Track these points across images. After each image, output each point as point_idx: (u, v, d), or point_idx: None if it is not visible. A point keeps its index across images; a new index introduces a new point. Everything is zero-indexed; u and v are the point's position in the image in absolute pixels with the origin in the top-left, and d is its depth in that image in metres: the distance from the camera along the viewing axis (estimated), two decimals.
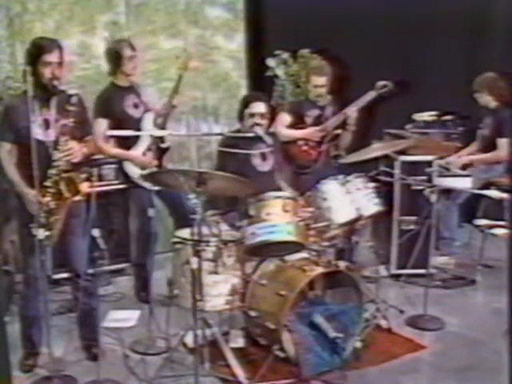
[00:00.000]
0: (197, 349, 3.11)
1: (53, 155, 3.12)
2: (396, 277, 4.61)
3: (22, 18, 4.82)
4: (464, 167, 4.88)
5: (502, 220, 4.61)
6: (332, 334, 3.35)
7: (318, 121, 4.61)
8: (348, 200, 3.69)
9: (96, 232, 3.10)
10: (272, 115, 4.51)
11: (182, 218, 4.03)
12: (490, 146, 4.82)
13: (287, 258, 3.62)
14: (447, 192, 4.68)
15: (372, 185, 3.86)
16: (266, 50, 5.78)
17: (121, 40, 4.23)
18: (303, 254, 3.64)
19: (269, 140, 3.85)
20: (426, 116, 5.74)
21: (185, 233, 3.45)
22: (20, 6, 4.84)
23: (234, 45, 5.80)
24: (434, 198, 3.92)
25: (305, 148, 4.60)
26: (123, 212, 4.79)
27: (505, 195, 4.41)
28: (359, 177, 3.82)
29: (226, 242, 3.39)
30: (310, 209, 3.58)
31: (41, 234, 3.00)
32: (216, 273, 3.34)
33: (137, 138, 4.05)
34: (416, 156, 4.62)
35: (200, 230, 3.10)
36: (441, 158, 4.70)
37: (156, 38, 5.29)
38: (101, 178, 4.57)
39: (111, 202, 4.70)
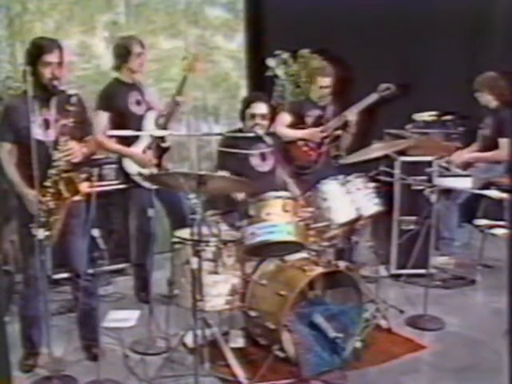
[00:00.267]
0: (197, 349, 3.11)
1: (53, 155, 3.12)
2: (396, 277, 4.61)
3: (22, 18, 4.82)
4: (464, 167, 4.88)
5: (501, 220, 4.61)
6: (332, 334, 3.35)
7: (318, 121, 4.62)
8: (348, 200, 3.69)
9: (96, 232, 3.10)
10: (272, 115, 4.51)
11: (179, 219, 4.04)
12: (490, 145, 4.81)
13: (287, 257, 3.62)
14: (447, 192, 4.68)
15: (372, 185, 3.86)
16: (266, 50, 5.78)
17: (130, 37, 4.24)
18: (303, 254, 3.64)
19: (269, 140, 3.85)
20: (426, 116, 5.74)
21: (185, 233, 3.45)
22: (20, 5, 4.84)
23: (234, 45, 5.80)
24: (434, 197, 3.92)
25: (305, 149, 4.60)
26: (123, 212, 4.79)
27: (505, 195, 4.41)
28: (359, 177, 3.82)
29: (225, 242, 3.39)
30: (310, 209, 3.58)
31: (41, 234, 3.00)
32: (216, 273, 3.34)
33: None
34: (416, 156, 4.62)
35: (200, 230, 3.09)
36: (441, 158, 4.70)
37: (156, 37, 5.29)
38: (101, 177, 4.57)
39: (111, 202, 4.71)
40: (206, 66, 4.95)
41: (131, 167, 4.11)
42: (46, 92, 3.17)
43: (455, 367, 3.42)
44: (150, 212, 3.68)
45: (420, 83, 5.49)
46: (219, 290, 3.36)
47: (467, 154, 4.97)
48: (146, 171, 3.90)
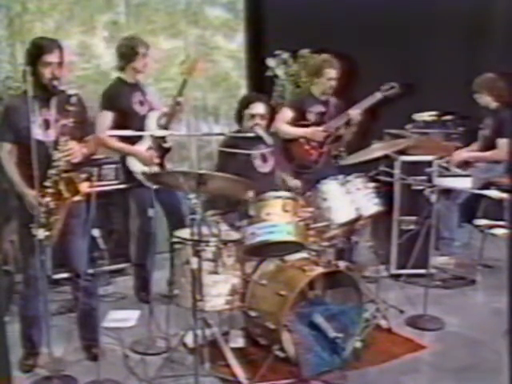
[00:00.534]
0: (197, 349, 3.11)
1: (53, 155, 3.12)
2: (396, 277, 4.61)
3: (22, 18, 4.83)
4: (464, 167, 4.88)
5: (501, 220, 4.61)
6: (332, 333, 3.35)
7: (320, 118, 4.57)
8: (348, 200, 3.69)
9: (96, 232, 3.10)
10: (272, 115, 4.51)
11: (178, 219, 4.04)
12: (490, 146, 4.82)
13: (287, 257, 3.61)
14: (447, 192, 4.68)
15: (372, 185, 3.86)
16: (266, 50, 5.78)
17: (135, 37, 4.24)
18: (303, 254, 3.63)
19: (269, 140, 3.85)
20: (426, 116, 5.74)
21: (185, 233, 3.45)
22: (20, 5, 4.84)
23: (234, 45, 5.81)
24: (434, 198, 3.92)
25: (306, 147, 4.56)
26: (123, 212, 4.80)
27: (505, 195, 4.41)
28: (359, 177, 3.82)
29: (225, 242, 3.39)
30: (310, 209, 3.58)
31: (41, 234, 3.00)
32: (216, 273, 3.34)
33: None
34: (416, 156, 4.62)
35: (200, 229, 3.09)
36: (441, 158, 4.70)
37: (156, 37, 5.29)
38: (101, 177, 4.58)
39: (111, 202, 4.71)
40: (206, 66, 4.96)
41: (135, 166, 4.11)
42: (45, 92, 3.17)
43: (455, 367, 3.41)
44: (150, 212, 3.68)
45: (420, 83, 5.49)
46: (219, 289, 3.36)
47: (466, 153, 4.97)
48: (149, 170, 3.90)
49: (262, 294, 3.45)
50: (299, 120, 4.58)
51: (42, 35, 3.60)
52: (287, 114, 4.60)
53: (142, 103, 4.15)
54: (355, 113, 4.47)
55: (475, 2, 5.77)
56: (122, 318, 4.02)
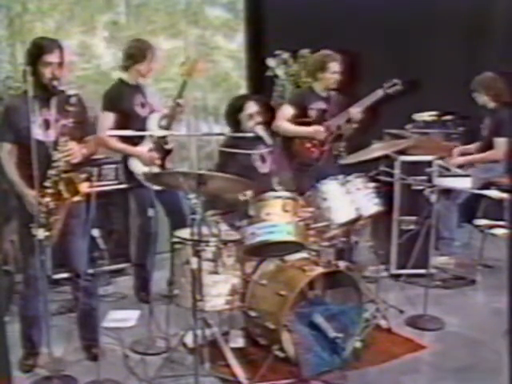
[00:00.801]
0: (197, 349, 3.11)
1: (52, 156, 3.12)
2: (396, 277, 4.61)
3: (22, 18, 4.83)
4: (464, 167, 4.88)
5: (501, 220, 4.61)
6: (332, 334, 3.35)
7: (321, 115, 4.53)
8: (348, 200, 3.69)
9: (96, 232, 3.10)
10: (272, 115, 4.51)
11: (179, 219, 4.04)
12: (488, 146, 4.82)
13: (287, 258, 3.61)
14: (447, 192, 4.68)
15: (372, 185, 3.86)
16: (265, 50, 5.78)
17: (144, 41, 4.24)
18: (303, 254, 3.64)
19: (269, 140, 3.84)
20: (426, 116, 5.74)
21: (185, 233, 3.45)
22: (20, 5, 4.85)
23: (234, 45, 5.82)
24: (433, 198, 3.92)
25: (308, 145, 4.52)
26: (123, 212, 4.80)
27: (505, 195, 4.41)
28: (359, 177, 3.82)
29: (225, 242, 3.39)
30: (310, 209, 3.58)
31: (41, 234, 3.00)
32: (216, 273, 3.34)
33: (141, 135, 4.06)
34: (416, 156, 4.62)
35: (200, 229, 3.10)
36: (441, 158, 4.70)
37: (156, 37, 5.30)
38: (101, 177, 4.58)
39: (111, 202, 4.71)
40: (207, 67, 4.96)
41: (136, 166, 4.11)
42: (46, 92, 3.16)
43: (455, 367, 3.41)
44: (150, 212, 3.68)
45: (420, 83, 5.49)
46: (219, 289, 3.36)
47: (462, 158, 4.95)
48: (150, 170, 3.90)
49: (262, 294, 3.45)
50: (300, 117, 4.54)
51: (42, 35, 3.60)
52: (288, 111, 4.57)
53: (143, 105, 4.15)
54: (355, 111, 4.45)
55: (475, 2, 5.77)
56: (122, 318, 4.02)
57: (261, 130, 3.80)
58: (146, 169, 3.97)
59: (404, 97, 4.70)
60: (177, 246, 3.45)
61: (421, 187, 4.25)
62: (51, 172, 3.10)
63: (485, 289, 4.50)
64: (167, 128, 4.11)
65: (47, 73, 3.13)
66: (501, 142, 4.69)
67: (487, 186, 4.71)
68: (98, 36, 5.15)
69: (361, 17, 5.64)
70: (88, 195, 3.12)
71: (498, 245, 4.37)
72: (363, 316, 3.59)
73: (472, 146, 5.07)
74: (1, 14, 4.78)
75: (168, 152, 4.18)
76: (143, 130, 4.02)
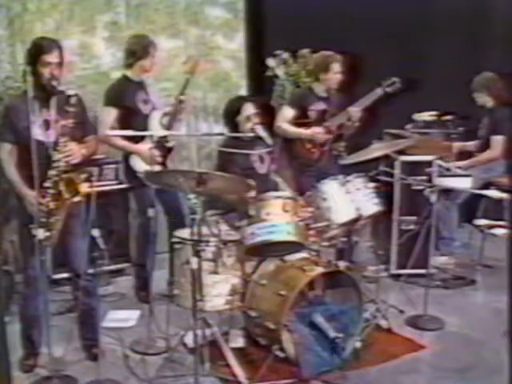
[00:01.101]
0: (197, 349, 3.11)
1: (52, 156, 3.12)
2: (396, 277, 4.60)
3: (22, 17, 4.83)
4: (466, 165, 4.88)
5: (501, 220, 4.61)
6: (332, 334, 3.35)
7: (321, 116, 4.52)
8: (348, 200, 3.69)
9: (96, 232, 3.10)
10: (272, 115, 4.50)
11: (178, 219, 4.04)
12: (487, 144, 4.82)
13: (287, 257, 3.62)
14: (447, 192, 4.68)
15: (372, 185, 3.86)
16: (265, 50, 5.78)
17: (146, 36, 4.26)
18: (303, 254, 3.64)
19: (269, 140, 3.84)
20: (426, 116, 5.74)
21: (185, 233, 3.45)
22: (20, 5, 4.84)
23: (234, 45, 5.81)
24: (433, 198, 3.92)
25: (308, 146, 4.51)
26: (123, 212, 4.80)
27: (505, 195, 4.41)
28: (359, 177, 3.82)
29: (225, 242, 3.39)
30: (310, 209, 3.58)
31: (41, 234, 3.00)
32: (216, 273, 3.34)
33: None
34: (416, 156, 4.62)
35: (200, 229, 3.09)
36: (441, 158, 4.70)
37: (156, 38, 5.28)
38: (101, 177, 4.58)
39: (111, 202, 4.70)
40: (209, 66, 4.97)
41: (139, 165, 4.11)
42: (45, 92, 3.16)
43: (455, 367, 3.42)
44: (150, 212, 3.68)
45: (419, 82, 5.49)
46: (219, 290, 3.36)
47: (461, 162, 4.93)
48: (151, 169, 3.90)
49: (261, 294, 3.45)
50: (300, 118, 4.53)
51: (42, 35, 3.59)
52: (288, 112, 4.55)
53: (145, 102, 4.16)
54: (355, 110, 4.44)
55: (475, 2, 5.77)
56: (122, 318, 4.02)
57: (261, 131, 3.80)
58: (147, 167, 3.97)
59: (404, 97, 4.70)
60: (177, 246, 3.45)
61: (421, 187, 4.25)
62: (51, 172, 3.10)
63: (485, 289, 4.50)
64: (169, 126, 4.11)
65: (46, 73, 3.13)
66: (497, 141, 4.69)
67: (487, 186, 4.71)
68: (97, 36, 5.15)
69: (361, 17, 5.64)
70: (88, 195, 3.12)
71: (498, 245, 4.37)
72: (363, 316, 3.59)
73: (471, 143, 5.06)
74: (1, 14, 4.78)
75: (169, 150, 4.18)
76: (145, 126, 4.03)
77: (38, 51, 3.14)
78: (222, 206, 3.72)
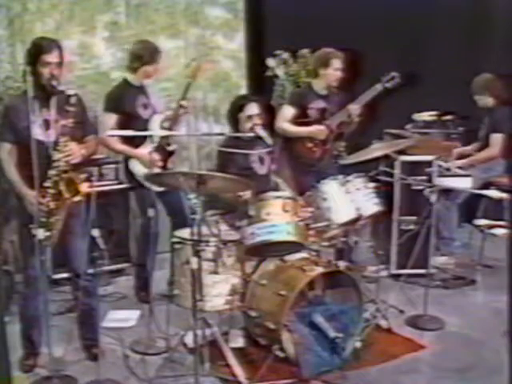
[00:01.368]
0: (197, 349, 3.11)
1: (52, 156, 3.12)
2: (396, 277, 4.60)
3: (22, 17, 4.83)
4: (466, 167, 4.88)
5: (501, 220, 4.61)
6: (332, 334, 3.35)
7: (322, 114, 4.50)
8: (348, 200, 3.69)
9: (96, 232, 3.10)
10: (272, 115, 4.49)
11: (180, 219, 4.03)
12: (486, 144, 4.82)
13: (287, 257, 3.62)
14: (447, 192, 4.68)
15: (372, 185, 3.86)
16: (265, 50, 5.78)
17: (151, 42, 4.26)
18: (303, 254, 3.64)
19: (269, 141, 3.84)
20: (426, 116, 5.74)
21: (185, 233, 3.45)
22: (20, 5, 4.84)
23: (234, 45, 5.81)
24: (433, 198, 3.92)
25: (309, 145, 4.50)
26: (123, 212, 4.80)
27: (505, 195, 4.41)
28: (359, 177, 3.82)
29: (225, 242, 3.39)
30: (310, 209, 3.58)
31: (41, 234, 3.00)
32: (216, 273, 3.34)
33: (143, 137, 4.06)
34: (416, 156, 4.62)
35: (200, 229, 3.10)
36: (441, 158, 4.69)
37: (156, 37, 5.29)
38: (101, 177, 4.58)
39: (111, 202, 4.70)
40: (211, 66, 4.96)
41: (139, 169, 4.11)
42: (45, 92, 3.16)
43: (455, 367, 3.42)
44: (150, 212, 3.68)
45: (420, 83, 5.49)
46: (219, 289, 3.36)
47: (460, 161, 4.94)
48: (150, 171, 3.89)
49: (261, 294, 3.45)
50: (300, 117, 4.51)
51: (42, 35, 3.60)
52: (288, 111, 4.54)
53: (145, 106, 4.16)
54: (354, 108, 4.42)
55: (475, 2, 5.77)
56: (122, 318, 4.02)
57: (261, 131, 3.80)
58: (146, 170, 3.97)
59: (404, 96, 4.69)
60: (177, 246, 3.45)
61: (421, 187, 4.25)
62: (51, 172, 3.10)
63: (485, 289, 4.50)
64: (169, 130, 4.11)
65: (46, 73, 3.13)
66: (497, 139, 4.69)
67: (487, 185, 4.71)
68: (97, 36, 5.15)
69: (361, 17, 5.64)
70: (88, 195, 3.12)
71: (498, 245, 4.36)
72: (363, 316, 3.59)
73: (471, 147, 5.06)
74: (1, 14, 4.78)
75: (170, 153, 4.18)
76: (145, 131, 4.02)
77: (37, 51, 3.14)
78: (221, 205, 3.72)
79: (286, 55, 5.63)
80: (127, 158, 4.18)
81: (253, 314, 3.45)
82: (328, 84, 4.49)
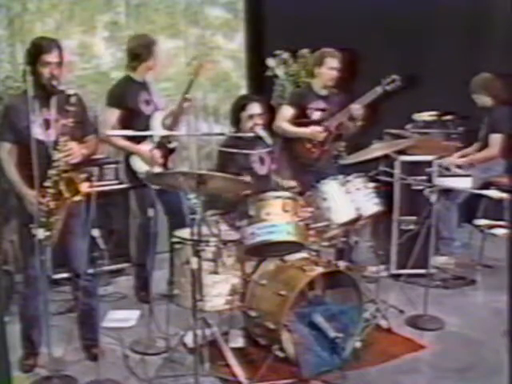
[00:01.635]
0: (197, 349, 3.11)
1: (53, 155, 3.12)
2: (396, 277, 4.60)
3: (22, 17, 4.83)
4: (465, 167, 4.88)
5: (501, 220, 4.61)
6: (332, 334, 3.35)
7: (321, 115, 4.50)
8: (348, 200, 3.69)
9: (96, 232, 3.10)
10: (272, 115, 4.49)
11: (179, 219, 4.03)
12: (486, 144, 4.81)
13: (287, 257, 3.62)
14: (447, 192, 4.68)
15: (372, 185, 3.86)
16: (265, 50, 5.78)
17: (145, 35, 4.26)
18: (303, 254, 3.64)
19: (269, 141, 3.84)
20: (426, 116, 5.74)
21: (185, 233, 3.45)
22: (20, 5, 4.84)
23: (234, 45, 5.81)
24: (433, 198, 3.92)
25: (308, 146, 4.50)
26: (123, 212, 4.80)
27: (505, 195, 4.41)
28: (359, 177, 3.82)
29: (225, 242, 3.39)
30: (310, 209, 3.58)
31: (41, 234, 3.00)
32: (216, 273, 3.34)
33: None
34: (416, 156, 4.62)
35: (200, 229, 3.09)
36: (441, 158, 4.69)
37: (156, 37, 5.29)
38: (101, 177, 4.58)
39: (111, 202, 4.70)
40: (213, 66, 4.96)
41: (140, 166, 4.11)
42: (45, 92, 3.16)
43: (455, 367, 3.42)
44: (150, 212, 3.68)
45: (420, 83, 5.49)
46: (219, 289, 3.36)
47: (459, 159, 4.94)
48: (151, 169, 3.89)
49: (261, 294, 3.45)
50: (300, 117, 4.51)
51: (42, 35, 3.60)
52: (287, 111, 4.54)
53: (147, 102, 4.16)
54: (355, 108, 4.41)
55: (475, 2, 5.77)
56: (122, 318, 4.02)
57: (261, 131, 3.79)
58: (148, 167, 3.97)
59: (404, 97, 4.69)
60: (177, 245, 3.45)
61: (421, 187, 4.25)
62: (51, 172, 3.10)
63: (485, 289, 4.50)
64: (171, 127, 4.11)
65: (46, 72, 3.13)
66: (496, 139, 4.69)
67: (487, 185, 4.71)
68: (97, 36, 5.15)
69: (361, 17, 5.64)
70: (88, 195, 3.12)
71: (498, 245, 4.37)
72: (363, 316, 3.59)
73: (471, 149, 5.05)
74: (1, 14, 4.78)
75: (171, 151, 4.18)
76: (146, 127, 4.04)
77: (37, 51, 3.14)
78: (221, 205, 3.72)
79: (285, 55, 5.63)
80: (128, 155, 4.17)
81: (253, 313, 3.45)
82: (324, 83, 4.49)
